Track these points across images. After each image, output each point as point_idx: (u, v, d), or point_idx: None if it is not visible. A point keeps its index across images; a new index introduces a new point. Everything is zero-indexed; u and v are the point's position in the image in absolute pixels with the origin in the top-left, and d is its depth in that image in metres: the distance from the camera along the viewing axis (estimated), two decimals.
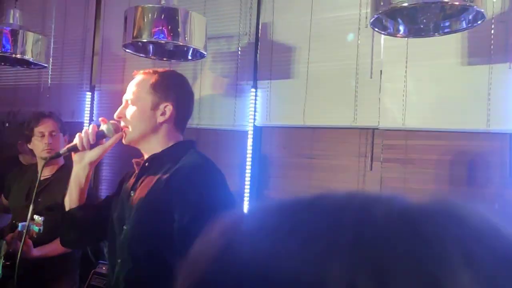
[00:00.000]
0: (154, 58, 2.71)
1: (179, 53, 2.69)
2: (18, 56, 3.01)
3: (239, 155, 3.23)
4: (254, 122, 3.21)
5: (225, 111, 3.37)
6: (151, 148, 1.46)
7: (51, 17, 4.11)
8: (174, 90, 1.50)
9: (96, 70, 3.87)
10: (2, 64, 3.39)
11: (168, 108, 1.46)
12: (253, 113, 3.22)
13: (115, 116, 1.48)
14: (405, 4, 1.88)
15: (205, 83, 3.50)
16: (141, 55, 2.64)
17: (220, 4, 3.43)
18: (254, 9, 3.28)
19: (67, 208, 1.46)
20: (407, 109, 2.69)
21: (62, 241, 1.54)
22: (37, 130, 2.34)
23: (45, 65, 3.26)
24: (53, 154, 1.53)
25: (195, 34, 2.47)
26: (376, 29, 2.11)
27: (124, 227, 1.37)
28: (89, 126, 1.50)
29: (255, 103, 3.22)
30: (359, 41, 2.88)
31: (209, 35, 2.72)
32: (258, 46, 3.22)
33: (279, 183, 3.16)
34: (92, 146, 1.43)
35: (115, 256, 1.38)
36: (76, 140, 1.43)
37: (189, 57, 2.69)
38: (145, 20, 2.37)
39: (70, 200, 1.46)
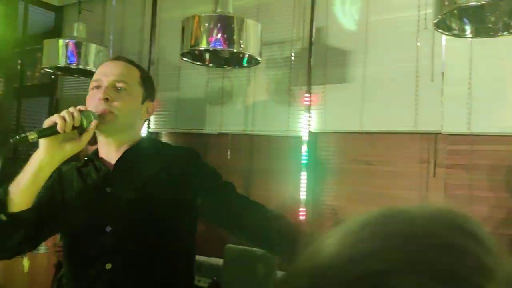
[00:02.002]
0: (211, 66, 2.74)
1: (234, 59, 2.71)
2: (81, 67, 3.15)
3: (294, 161, 3.20)
4: (308, 127, 3.18)
5: (278, 117, 3.36)
6: (122, 142, 1.28)
7: (110, 29, 4.27)
8: (154, 89, 1.40)
9: (153, 79, 3.96)
10: (68, 75, 3.56)
11: (152, 108, 1.36)
12: (307, 118, 3.18)
13: (101, 96, 1.22)
14: (473, 3, 1.79)
15: (258, 89, 3.51)
16: (198, 63, 2.68)
17: (273, 10, 3.42)
18: (307, 14, 3.25)
19: (14, 209, 1.12)
20: (472, 112, 2.56)
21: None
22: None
23: None
24: (19, 139, 1.07)
25: (250, 41, 2.47)
26: (440, 30, 2.02)
27: (108, 229, 1.20)
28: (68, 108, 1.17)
29: (310, 109, 3.18)
30: (418, 43, 2.78)
31: (262, 41, 2.72)
32: (312, 51, 3.19)
33: (336, 189, 3.10)
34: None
35: (97, 262, 1.20)
36: (55, 120, 1.10)
37: (244, 64, 2.70)
38: (202, 29, 2.40)
39: (22, 199, 1.13)
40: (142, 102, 1.32)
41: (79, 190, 1.27)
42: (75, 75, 3.56)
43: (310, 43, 3.19)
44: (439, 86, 2.68)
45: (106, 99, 1.22)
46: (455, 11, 1.93)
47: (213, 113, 3.71)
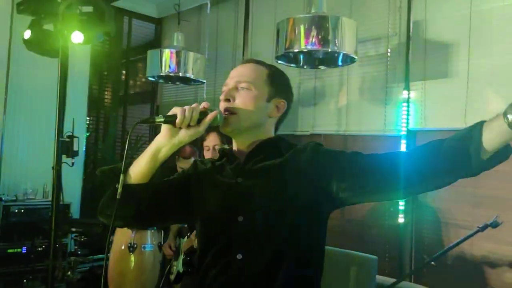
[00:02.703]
0: (306, 67, 2.75)
1: (329, 59, 2.69)
2: (181, 74, 3.33)
3: None
4: (407, 126, 3.05)
5: (374, 116, 3.27)
6: (253, 141, 1.30)
7: (205, 36, 4.47)
8: (287, 87, 1.37)
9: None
10: (169, 82, 3.78)
11: (282, 105, 1.32)
12: (405, 116, 3.06)
13: (222, 96, 1.29)
14: None
15: (351, 88, 3.45)
16: (292, 65, 2.69)
17: (367, 5, 3.35)
18: (404, 8, 3.13)
19: (129, 181, 1.24)
20: None
21: (115, 216, 1.19)
22: (205, 144, 2.55)
23: (204, 81, 3.54)
24: (147, 118, 1.22)
25: (346, 40, 2.43)
26: None
27: (240, 218, 1.22)
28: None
29: (408, 106, 3.06)
30: None
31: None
32: (410, 46, 3.06)
33: (439, 190, 2.92)
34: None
35: (228, 251, 1.22)
36: (177, 113, 1.18)
37: (340, 63, 2.67)
38: (297, 30, 2.41)
39: (137, 173, 1.24)
40: (269, 100, 1.30)
41: (213, 181, 1.31)
42: (176, 83, 3.77)
43: (408, 38, 3.07)
44: None
45: (228, 100, 1.27)
46: None
47: (305, 114, 3.71)
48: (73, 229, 3.72)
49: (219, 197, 1.28)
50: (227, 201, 1.27)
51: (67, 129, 2.60)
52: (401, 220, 3.04)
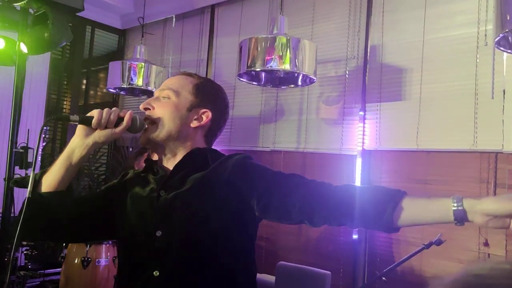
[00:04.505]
0: (266, 85, 2.81)
1: (289, 79, 2.77)
2: (143, 87, 3.32)
3: (347, 180, 3.19)
4: (362, 145, 3.16)
5: (332, 135, 3.37)
6: (176, 150, 1.26)
7: (169, 50, 4.48)
8: (215, 98, 1.33)
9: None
10: (129, 94, 3.76)
11: (206, 115, 1.28)
12: (361, 136, 3.17)
13: (140, 106, 1.27)
14: None
15: (311, 107, 3.54)
16: (254, 83, 2.75)
17: (327, 29, 3.47)
18: (362, 32, 3.26)
19: (43, 189, 1.19)
20: None
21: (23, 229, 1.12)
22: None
23: None
24: (61, 115, 1.18)
25: (306, 61, 2.52)
26: (502, 48, 1.97)
27: (158, 233, 1.17)
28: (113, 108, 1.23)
29: (364, 126, 3.18)
30: (477, 60, 2.73)
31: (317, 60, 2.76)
32: (367, 69, 3.19)
33: None
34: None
35: (146, 268, 1.16)
36: (94, 114, 1.17)
37: (299, 83, 2.75)
38: (259, 49, 2.48)
39: (51, 180, 1.20)
40: (190, 109, 1.27)
41: (137, 194, 1.27)
42: (139, 95, 3.75)
43: (365, 61, 3.20)
44: (500, 103, 2.61)
45: (147, 109, 1.26)
46: None
47: (266, 131, 3.77)
48: (24, 243, 3.59)
49: (140, 211, 1.24)
50: (147, 215, 1.22)
51: (23, 139, 2.53)
52: (355, 236, 3.12)
